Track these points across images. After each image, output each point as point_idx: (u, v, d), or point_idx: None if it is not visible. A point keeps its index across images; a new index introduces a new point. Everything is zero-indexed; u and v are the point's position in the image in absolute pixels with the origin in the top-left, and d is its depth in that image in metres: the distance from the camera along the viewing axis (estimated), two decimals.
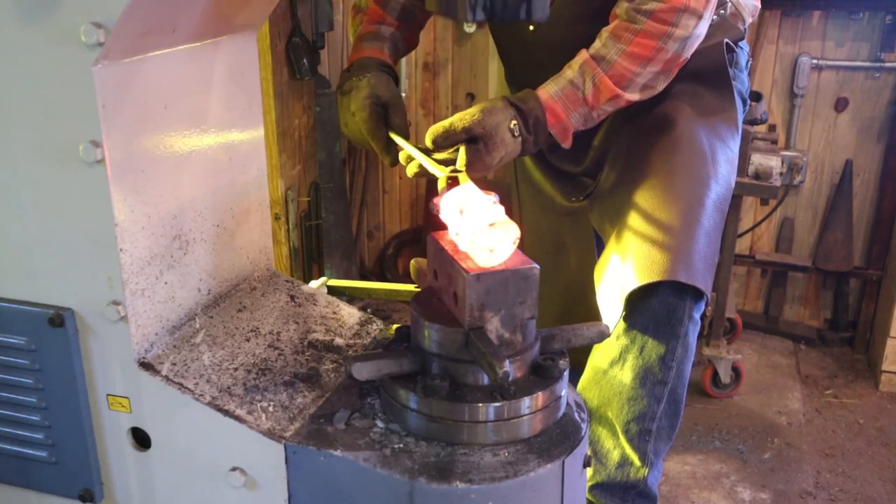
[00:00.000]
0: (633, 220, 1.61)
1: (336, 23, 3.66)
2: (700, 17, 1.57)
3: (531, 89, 1.63)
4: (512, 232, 1.11)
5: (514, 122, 1.56)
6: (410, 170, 1.56)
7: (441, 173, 1.43)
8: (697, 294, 1.55)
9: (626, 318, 1.58)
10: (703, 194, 1.63)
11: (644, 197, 1.63)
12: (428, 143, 1.53)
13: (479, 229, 1.11)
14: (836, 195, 3.45)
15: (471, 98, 3.83)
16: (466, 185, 1.24)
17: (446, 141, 1.52)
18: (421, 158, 1.51)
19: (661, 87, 1.65)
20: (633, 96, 1.63)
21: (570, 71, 1.61)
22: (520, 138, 1.57)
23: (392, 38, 1.81)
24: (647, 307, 1.56)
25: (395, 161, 1.62)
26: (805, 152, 3.47)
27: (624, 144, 1.76)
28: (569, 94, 1.61)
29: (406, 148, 1.57)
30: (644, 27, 1.56)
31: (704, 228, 1.59)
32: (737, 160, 1.79)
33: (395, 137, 1.63)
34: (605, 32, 1.61)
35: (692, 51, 1.63)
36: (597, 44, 1.61)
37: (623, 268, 1.56)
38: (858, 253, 3.51)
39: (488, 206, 1.15)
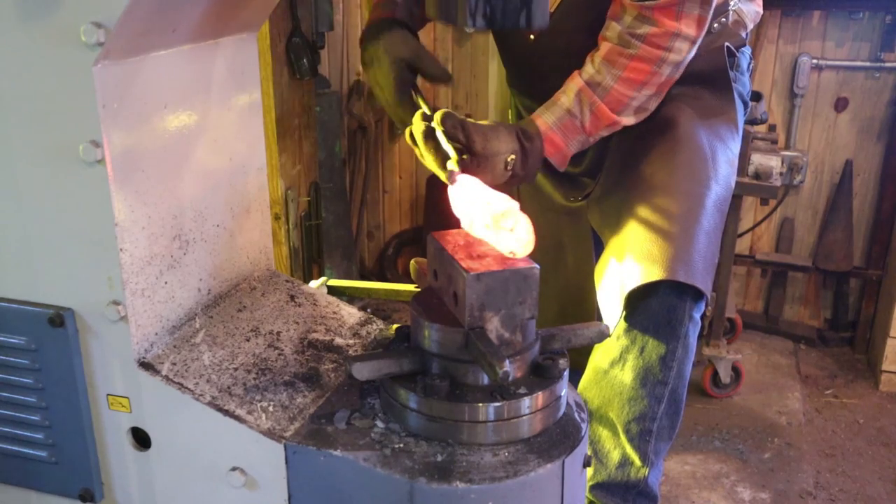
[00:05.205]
0: (633, 220, 1.61)
1: (336, 23, 3.65)
2: (693, 41, 1.58)
3: (532, 120, 1.61)
4: (522, 217, 1.16)
5: (512, 156, 1.54)
6: (416, 130, 1.50)
7: (451, 152, 1.43)
8: (697, 294, 1.55)
9: (626, 319, 1.58)
10: (702, 194, 1.63)
11: (644, 197, 1.63)
12: (437, 119, 1.47)
13: (495, 214, 1.15)
14: (836, 195, 3.45)
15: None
16: (467, 179, 1.26)
17: (452, 130, 1.47)
18: (440, 136, 1.46)
19: (653, 107, 1.66)
20: (629, 120, 1.64)
21: (566, 98, 1.61)
22: (510, 172, 1.55)
23: (405, 1, 1.70)
24: (647, 307, 1.56)
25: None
26: (805, 152, 3.47)
27: (625, 145, 1.77)
28: (567, 124, 1.61)
29: (422, 107, 1.52)
30: (638, 52, 1.57)
31: (704, 228, 1.59)
32: (737, 161, 1.80)
33: (420, 103, 1.56)
34: (597, 57, 1.60)
35: (682, 71, 1.64)
36: (590, 69, 1.61)
37: (623, 267, 1.56)
38: (858, 253, 3.50)
39: (494, 194, 1.20)
